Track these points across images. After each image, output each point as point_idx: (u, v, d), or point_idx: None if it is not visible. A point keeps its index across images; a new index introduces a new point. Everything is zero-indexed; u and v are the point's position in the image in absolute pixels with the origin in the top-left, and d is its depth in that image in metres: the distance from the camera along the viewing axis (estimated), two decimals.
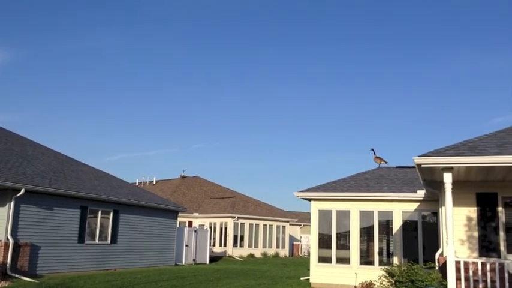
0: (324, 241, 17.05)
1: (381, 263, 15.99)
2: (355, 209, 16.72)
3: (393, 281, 12.12)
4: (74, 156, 23.88)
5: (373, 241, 16.42)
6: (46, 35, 69.58)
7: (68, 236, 18.12)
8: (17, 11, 66.36)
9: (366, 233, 16.62)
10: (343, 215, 16.90)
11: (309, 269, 17.38)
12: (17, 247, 15.83)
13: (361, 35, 72.80)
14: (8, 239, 15.62)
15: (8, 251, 15.47)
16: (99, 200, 19.45)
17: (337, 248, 16.79)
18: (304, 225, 45.60)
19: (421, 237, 15.87)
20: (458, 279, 10.30)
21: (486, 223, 12.25)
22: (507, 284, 10.33)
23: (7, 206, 15.88)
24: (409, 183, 16.96)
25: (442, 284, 10.98)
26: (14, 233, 15.90)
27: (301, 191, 17.36)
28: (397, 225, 16.24)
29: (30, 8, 68.02)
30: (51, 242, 17.36)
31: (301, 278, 18.04)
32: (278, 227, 39.30)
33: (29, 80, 74.02)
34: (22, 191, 15.91)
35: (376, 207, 16.52)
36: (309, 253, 28.72)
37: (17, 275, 15.40)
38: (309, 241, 23.15)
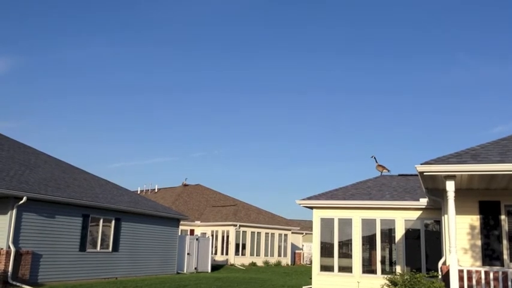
0: (326, 249, 17.00)
1: (383, 271, 15.93)
2: (357, 217, 16.69)
3: None
4: (76, 164, 23.94)
5: (376, 250, 16.37)
6: (48, 42, 69.94)
7: (70, 244, 18.08)
8: (17, 17, 66.75)
9: (368, 241, 16.57)
10: (345, 223, 16.87)
11: (311, 278, 17.31)
12: (18, 255, 15.79)
13: (361, 44, 73.01)
14: (9, 247, 15.60)
15: (9, 259, 15.44)
16: (101, 208, 19.43)
17: (340, 256, 16.74)
18: (306, 234, 45.45)
19: (424, 245, 15.82)
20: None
21: (489, 231, 12.19)
22: None
23: (9, 214, 15.87)
24: (412, 192, 16.93)
25: None
26: (15, 241, 15.88)
27: (303, 199, 17.34)
28: (399, 233, 16.19)
29: (31, 14, 68.42)
30: (53, 250, 17.33)
31: (304, 287, 17.96)
32: (280, 235, 39.18)
33: (29, 87, 74.32)
34: (24, 199, 15.91)
35: (378, 216, 16.49)
36: (311, 262, 28.59)
37: (18, 284, 15.36)
38: (311, 249, 23.08)
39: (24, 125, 77.53)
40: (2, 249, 15.49)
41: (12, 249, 15.59)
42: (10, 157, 19.59)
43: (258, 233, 37.33)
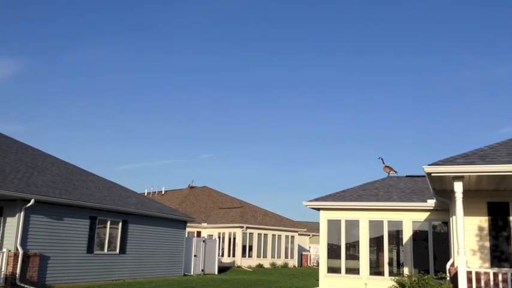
0: (333, 251, 16.94)
1: (391, 273, 15.84)
2: (364, 219, 16.62)
3: None
4: (84, 166, 24.04)
5: (383, 251, 16.29)
6: (55, 45, 70.36)
7: (77, 246, 18.14)
8: (20, 19, 67.22)
9: (376, 243, 16.49)
10: (353, 225, 16.80)
11: (318, 280, 17.25)
12: (26, 257, 15.86)
13: (368, 44, 72.85)
14: (17, 249, 15.68)
15: (17, 262, 15.52)
16: (109, 210, 19.48)
17: (347, 258, 16.67)
18: (313, 235, 45.32)
19: (432, 247, 15.72)
20: None
21: (498, 233, 12.10)
22: None
23: (17, 216, 15.95)
24: (419, 193, 16.84)
25: None
26: (23, 244, 15.95)
27: (310, 201, 17.29)
28: (407, 235, 16.11)
29: (35, 16, 68.89)
30: (60, 252, 17.39)
31: None
32: (287, 237, 39.10)
33: (37, 89, 74.79)
34: (32, 201, 15.98)
35: (385, 217, 16.41)
36: (317, 263, 28.50)
37: (26, 286, 15.42)
38: (318, 251, 22.94)
39: (31, 128, 78.05)
40: (10, 251, 15.57)
41: (20, 251, 15.67)
42: (18, 159, 19.69)
43: (264, 234, 37.27)
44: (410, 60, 75.12)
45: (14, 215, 16.00)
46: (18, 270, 15.48)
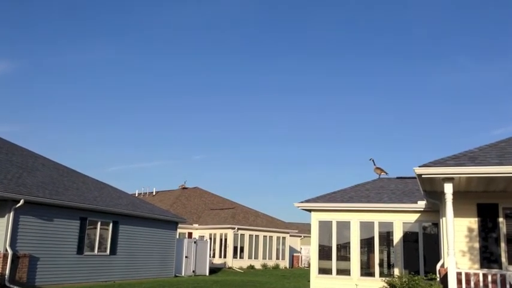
0: (324, 252, 16.98)
1: (381, 274, 15.90)
2: (355, 220, 16.67)
3: None
4: (74, 167, 23.87)
5: (374, 252, 16.35)
6: (47, 46, 69.92)
7: (67, 247, 18.02)
8: (18, 21, 66.75)
9: (367, 244, 16.55)
10: (344, 226, 16.85)
11: (309, 281, 17.28)
12: (15, 258, 15.74)
13: (362, 46, 73.18)
14: (6, 250, 15.54)
15: (6, 263, 15.39)
16: (99, 211, 19.37)
17: (338, 259, 16.71)
18: (304, 237, 45.40)
19: (422, 248, 15.81)
20: None
21: (487, 234, 12.18)
22: None
23: (6, 217, 15.82)
24: (410, 194, 16.92)
25: None
26: (13, 244, 15.82)
27: (302, 202, 17.32)
28: (397, 236, 16.18)
29: (32, 18, 68.42)
30: (50, 253, 17.27)
31: None
32: (278, 238, 39.14)
33: (29, 91, 74.26)
34: (21, 201, 15.85)
35: (376, 218, 16.47)
36: (309, 265, 28.58)
37: (15, 287, 15.29)
38: (309, 252, 22.97)
39: (22, 128, 77.45)
40: None
41: (10, 252, 15.53)
42: (8, 160, 19.53)
43: (256, 236, 37.28)
44: (402, 62, 75.58)
45: (3, 216, 15.86)
46: (7, 271, 15.35)
